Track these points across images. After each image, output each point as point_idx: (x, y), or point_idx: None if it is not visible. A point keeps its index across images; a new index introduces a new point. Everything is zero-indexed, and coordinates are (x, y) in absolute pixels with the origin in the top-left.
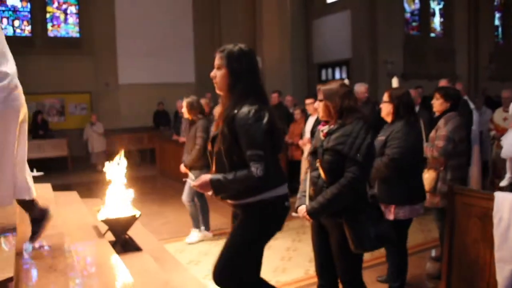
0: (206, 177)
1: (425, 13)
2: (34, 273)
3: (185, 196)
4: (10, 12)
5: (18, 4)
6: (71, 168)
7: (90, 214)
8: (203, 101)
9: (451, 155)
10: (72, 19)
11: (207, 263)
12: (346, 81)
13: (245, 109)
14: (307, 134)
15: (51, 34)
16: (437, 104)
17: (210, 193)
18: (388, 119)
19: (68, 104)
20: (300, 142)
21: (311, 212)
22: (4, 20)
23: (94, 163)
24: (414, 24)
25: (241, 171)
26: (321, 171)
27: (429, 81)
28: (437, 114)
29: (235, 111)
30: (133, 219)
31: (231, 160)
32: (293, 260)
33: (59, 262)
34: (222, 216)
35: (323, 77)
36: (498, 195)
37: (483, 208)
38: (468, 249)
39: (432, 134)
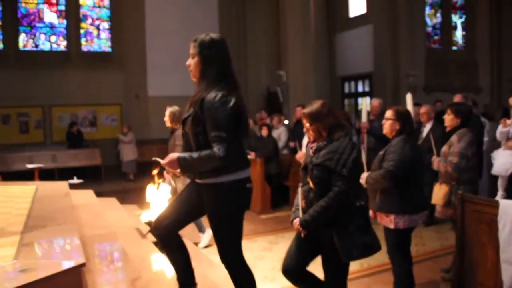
0: (174, 155)
1: (447, 26)
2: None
3: None
4: (48, 29)
5: (55, 21)
6: (103, 177)
7: (131, 217)
8: None
9: (464, 170)
10: (105, 35)
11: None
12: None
13: (212, 94)
14: (303, 149)
15: (84, 48)
16: (448, 119)
17: (178, 170)
18: (391, 135)
19: (99, 115)
20: (297, 156)
21: (303, 225)
22: (42, 36)
23: (125, 172)
24: (436, 37)
25: (205, 151)
26: (311, 185)
27: (451, 94)
28: (448, 129)
29: (204, 95)
30: None
31: (197, 141)
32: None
33: (112, 256)
34: (248, 222)
35: (346, 90)
36: (502, 202)
37: (490, 214)
38: (477, 252)
39: (445, 149)
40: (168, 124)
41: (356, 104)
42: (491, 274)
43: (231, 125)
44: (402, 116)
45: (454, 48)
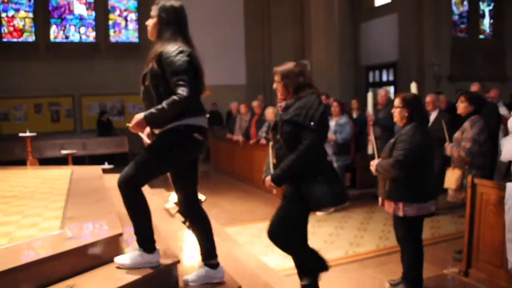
0: (139, 115)
1: (474, 15)
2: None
3: None
4: (77, 20)
5: (84, 13)
6: None
7: (160, 199)
8: (254, 103)
9: (476, 155)
10: (132, 25)
11: (260, 245)
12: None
13: (169, 47)
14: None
15: (112, 39)
16: (462, 106)
17: (147, 130)
18: (401, 123)
19: (127, 104)
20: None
21: (275, 179)
22: (72, 28)
23: None
24: (462, 26)
25: (169, 99)
26: (282, 142)
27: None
28: (462, 115)
29: (161, 49)
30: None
31: (158, 93)
32: (336, 243)
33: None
34: (266, 205)
35: (371, 79)
36: (509, 185)
37: (498, 196)
38: (485, 233)
39: (457, 135)
40: None
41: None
42: (498, 253)
43: (189, 71)
44: (410, 103)
45: (481, 36)
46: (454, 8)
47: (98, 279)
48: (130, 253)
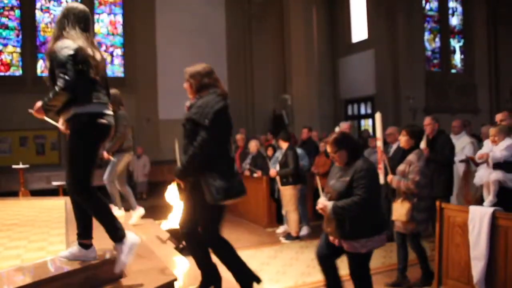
0: (38, 103)
1: (445, 50)
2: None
3: (105, 177)
4: None
5: None
6: None
7: (151, 227)
8: (238, 136)
9: (423, 186)
10: (118, 61)
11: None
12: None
13: (58, 43)
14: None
15: None
16: (404, 140)
17: (44, 117)
18: (343, 164)
19: None
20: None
21: (178, 174)
22: None
23: (139, 192)
24: (435, 61)
25: (52, 90)
26: (185, 139)
27: (451, 115)
28: (405, 149)
29: (53, 46)
30: None
31: (51, 85)
32: (317, 267)
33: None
34: (252, 234)
35: (349, 112)
36: (472, 208)
37: (462, 218)
38: (453, 252)
39: (402, 167)
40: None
41: (359, 125)
42: (464, 270)
43: (73, 63)
44: (342, 143)
45: (453, 71)
46: (427, 44)
47: None
48: (71, 248)
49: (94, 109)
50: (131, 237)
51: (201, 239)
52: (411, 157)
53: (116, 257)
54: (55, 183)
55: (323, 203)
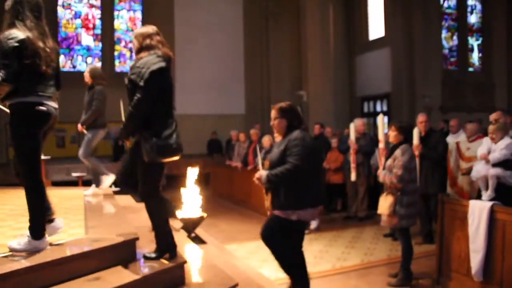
0: None
1: (463, 48)
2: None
3: (81, 152)
4: (85, 51)
5: (92, 44)
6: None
7: None
8: (252, 131)
9: (408, 181)
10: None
11: (256, 259)
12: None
13: (6, 32)
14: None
15: (118, 69)
16: (393, 135)
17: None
18: (281, 133)
19: None
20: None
21: (121, 133)
22: (79, 58)
23: None
24: (452, 59)
25: None
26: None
27: (468, 114)
28: (393, 144)
29: (1, 34)
30: (201, 219)
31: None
32: (324, 258)
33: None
34: None
35: (365, 109)
36: (472, 202)
37: (463, 212)
38: (453, 244)
39: (389, 162)
40: (87, 79)
41: (375, 123)
42: (464, 262)
43: (17, 55)
44: (286, 113)
45: (471, 69)
46: (444, 42)
47: (119, 274)
48: (20, 239)
49: (34, 100)
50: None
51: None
52: (397, 152)
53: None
54: (74, 174)
55: (259, 173)
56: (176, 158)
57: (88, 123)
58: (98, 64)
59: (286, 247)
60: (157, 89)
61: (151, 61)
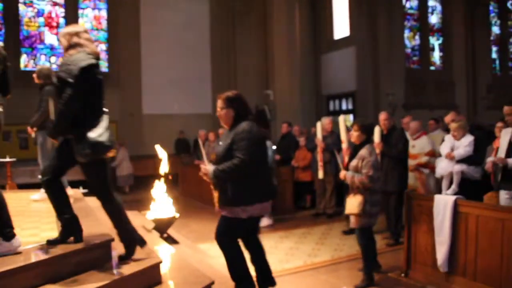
0: None
1: (425, 48)
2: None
3: (39, 157)
4: (48, 50)
5: (55, 43)
6: None
7: (136, 218)
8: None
9: (376, 180)
10: (102, 56)
11: None
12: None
13: None
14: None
15: None
16: (355, 135)
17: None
18: (228, 124)
19: None
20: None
21: (51, 132)
22: (43, 57)
23: (121, 186)
24: (414, 58)
25: None
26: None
27: (430, 111)
28: (356, 143)
29: None
30: (173, 219)
31: None
32: (295, 255)
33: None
34: None
35: (331, 108)
36: (437, 197)
37: (429, 207)
38: (420, 238)
39: (355, 163)
40: (36, 80)
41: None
42: (430, 254)
43: None
44: (232, 102)
45: (432, 68)
46: (407, 41)
47: (96, 275)
48: None
49: None
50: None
51: (60, 186)
52: (363, 152)
53: None
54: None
55: (205, 168)
56: (110, 154)
57: (37, 124)
58: None
59: (239, 252)
60: (87, 85)
61: (80, 58)
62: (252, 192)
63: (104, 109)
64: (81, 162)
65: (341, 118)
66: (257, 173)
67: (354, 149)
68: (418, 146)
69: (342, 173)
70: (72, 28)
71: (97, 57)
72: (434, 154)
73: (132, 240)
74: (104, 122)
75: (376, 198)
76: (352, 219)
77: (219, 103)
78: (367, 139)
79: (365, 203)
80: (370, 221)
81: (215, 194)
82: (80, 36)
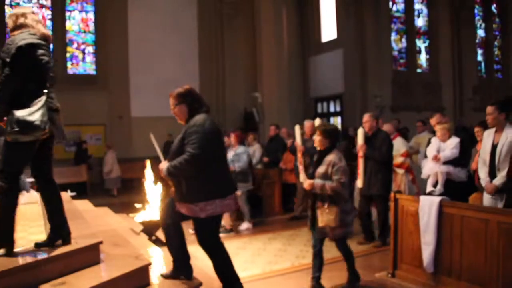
0: None
1: (411, 50)
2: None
3: None
4: None
5: None
6: (89, 192)
7: (125, 220)
8: None
9: (347, 186)
10: (89, 58)
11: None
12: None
13: None
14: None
15: (70, 71)
16: (317, 140)
17: None
18: (184, 121)
19: (84, 135)
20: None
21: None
22: None
23: (109, 188)
24: (401, 61)
25: None
26: None
27: (417, 113)
28: (320, 149)
29: None
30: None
31: None
32: (284, 257)
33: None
34: None
35: (319, 110)
36: (422, 198)
37: (415, 207)
38: (406, 238)
39: (324, 169)
40: None
41: (329, 123)
42: (416, 254)
43: None
44: (183, 97)
45: (419, 70)
46: (393, 44)
47: (85, 277)
48: None
49: None
50: None
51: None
52: (332, 157)
53: None
54: (28, 180)
55: (161, 165)
56: (40, 136)
57: None
58: None
59: (225, 254)
60: (25, 65)
61: (21, 37)
62: (207, 188)
63: (44, 91)
64: (8, 141)
65: (297, 127)
66: (212, 168)
67: (319, 155)
68: (393, 147)
69: (309, 182)
70: (18, 9)
71: (44, 38)
72: (409, 154)
73: (60, 230)
74: (42, 102)
75: (349, 207)
76: (327, 230)
77: (171, 101)
78: (333, 144)
79: (340, 213)
80: (346, 231)
81: (173, 190)
82: (26, 17)
